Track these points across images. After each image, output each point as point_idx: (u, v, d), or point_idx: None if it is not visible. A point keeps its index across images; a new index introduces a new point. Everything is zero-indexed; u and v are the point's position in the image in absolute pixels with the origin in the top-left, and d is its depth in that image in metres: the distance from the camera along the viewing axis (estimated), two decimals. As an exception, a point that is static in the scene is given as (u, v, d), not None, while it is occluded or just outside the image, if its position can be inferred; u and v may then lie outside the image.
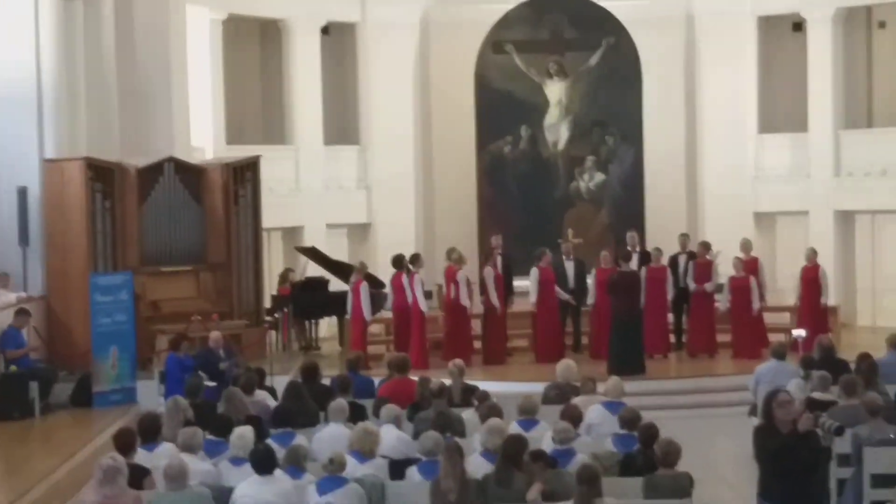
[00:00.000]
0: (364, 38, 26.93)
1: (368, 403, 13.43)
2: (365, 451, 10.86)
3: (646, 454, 10.69)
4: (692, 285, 21.64)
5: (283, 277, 24.02)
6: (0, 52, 20.49)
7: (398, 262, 21.33)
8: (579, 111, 26.17)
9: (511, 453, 10.02)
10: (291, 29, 26.13)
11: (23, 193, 20.39)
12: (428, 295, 21.70)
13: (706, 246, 22.13)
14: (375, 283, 22.14)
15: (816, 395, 13.55)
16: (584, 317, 22.20)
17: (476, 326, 21.97)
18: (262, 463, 10.10)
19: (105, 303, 18.73)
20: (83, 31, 21.37)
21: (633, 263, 21.19)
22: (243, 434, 11.05)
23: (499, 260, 21.72)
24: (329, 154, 26.69)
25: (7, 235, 20.51)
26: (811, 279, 21.63)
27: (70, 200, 20.70)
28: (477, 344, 21.71)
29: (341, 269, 23.08)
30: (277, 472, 10.18)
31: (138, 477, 10.11)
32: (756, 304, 21.29)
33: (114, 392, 18.68)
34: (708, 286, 21.49)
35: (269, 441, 11.39)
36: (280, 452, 10.62)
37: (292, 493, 10.00)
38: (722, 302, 21.57)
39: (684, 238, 22.61)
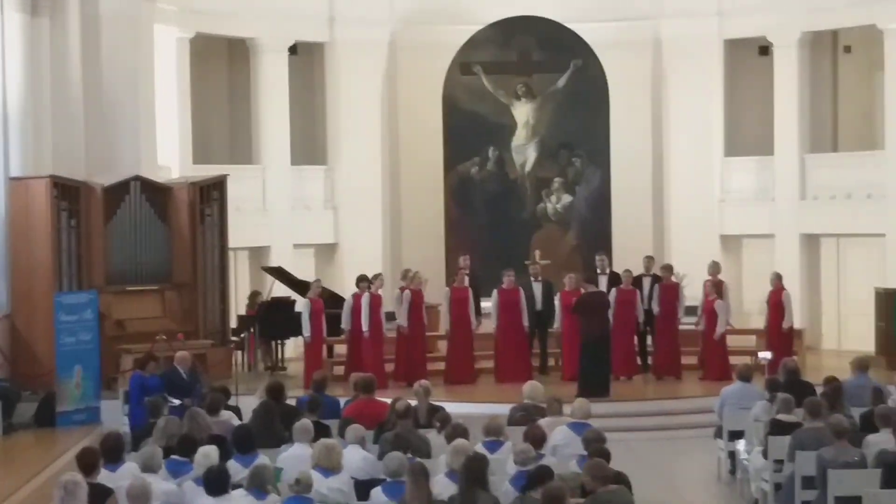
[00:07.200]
0: (332, 58, 26.91)
1: (334, 424, 13.40)
2: (328, 466, 10.84)
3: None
4: (656, 308, 21.68)
5: (252, 300, 23.95)
6: (-35, 69, 20.45)
7: (359, 281, 21.54)
8: (546, 133, 26.22)
9: (474, 473, 9.95)
10: (259, 48, 26.08)
11: (-13, 211, 20.32)
12: (390, 316, 21.76)
13: (669, 269, 22.18)
14: (334, 301, 22.24)
15: (781, 417, 13.61)
16: (551, 338, 22.22)
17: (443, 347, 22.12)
18: (215, 484, 10.07)
19: (69, 322, 18.65)
20: (49, 48, 21.30)
21: (602, 286, 21.23)
22: (208, 453, 10.98)
23: (466, 280, 21.77)
24: (296, 174, 26.63)
25: (-29, 253, 20.43)
26: (776, 303, 21.65)
27: (35, 219, 20.60)
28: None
29: (308, 290, 23.04)
30: (237, 492, 10.14)
31: (102, 497, 10.00)
32: (721, 328, 21.28)
33: (77, 412, 18.61)
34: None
35: (233, 461, 11.35)
36: (243, 473, 10.57)
37: (251, 513, 9.98)
38: (699, 324, 21.61)
39: (649, 260, 22.60)
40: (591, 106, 25.94)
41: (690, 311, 22.06)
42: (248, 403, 15.30)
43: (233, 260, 24.26)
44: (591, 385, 19.28)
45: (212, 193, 22.71)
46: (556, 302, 21.77)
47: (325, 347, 22.26)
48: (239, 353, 22.91)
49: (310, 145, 27.39)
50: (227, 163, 25.72)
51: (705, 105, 26.68)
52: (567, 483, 10.39)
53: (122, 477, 10.78)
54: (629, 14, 26.65)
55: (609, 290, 21.27)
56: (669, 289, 21.77)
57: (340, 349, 22.52)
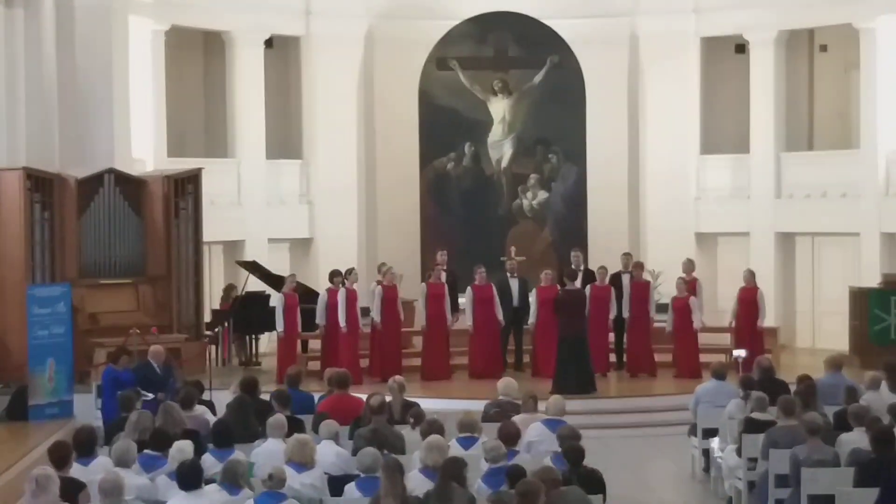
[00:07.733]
0: (308, 52, 26.80)
1: (308, 419, 13.36)
2: (302, 462, 10.83)
3: (578, 474, 10.63)
4: (626, 312, 21.66)
5: (227, 294, 23.90)
6: (-62, 60, 20.31)
7: (332, 276, 21.49)
8: (523, 129, 26.17)
9: (451, 472, 9.93)
10: (235, 41, 25.95)
11: (-40, 203, 20.18)
12: (366, 311, 21.73)
13: (640, 266, 22.23)
14: (309, 296, 22.18)
15: (755, 415, 13.62)
16: (526, 335, 22.18)
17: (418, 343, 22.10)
18: (187, 478, 10.03)
19: (42, 315, 18.49)
20: (23, 39, 21.13)
21: (578, 283, 21.22)
22: (182, 448, 10.97)
23: (443, 276, 21.76)
24: (271, 168, 26.51)
25: (-57, 245, 20.29)
26: (748, 300, 21.66)
27: (8, 211, 20.48)
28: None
29: (282, 285, 22.99)
30: (211, 487, 10.10)
31: (74, 491, 9.97)
32: (697, 324, 21.33)
33: (50, 405, 18.45)
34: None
35: (208, 455, 11.31)
36: (218, 468, 10.53)
37: (225, 507, 9.95)
38: (668, 322, 21.63)
39: (627, 257, 22.58)
40: (567, 102, 25.88)
41: (662, 308, 22.08)
42: (222, 398, 15.25)
43: (207, 254, 24.14)
44: (568, 383, 19.25)
45: (186, 187, 22.62)
46: (532, 298, 21.75)
47: (299, 342, 22.25)
48: (213, 347, 22.78)
49: (285, 139, 27.28)
50: (202, 156, 25.55)
51: (681, 102, 26.66)
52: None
53: (94, 471, 10.75)
54: (606, 11, 26.59)
55: (585, 287, 21.27)
56: (641, 287, 21.80)
57: (315, 344, 22.48)
